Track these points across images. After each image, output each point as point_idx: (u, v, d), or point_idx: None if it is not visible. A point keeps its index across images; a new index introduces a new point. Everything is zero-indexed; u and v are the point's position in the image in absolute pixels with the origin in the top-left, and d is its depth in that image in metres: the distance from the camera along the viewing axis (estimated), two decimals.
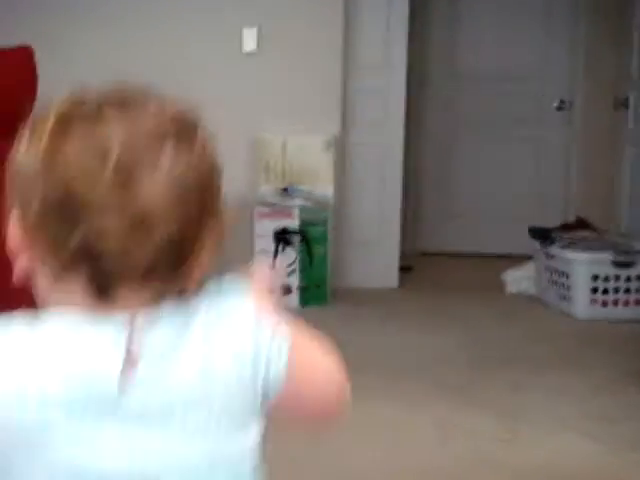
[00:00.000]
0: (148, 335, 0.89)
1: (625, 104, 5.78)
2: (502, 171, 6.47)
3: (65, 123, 0.89)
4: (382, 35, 5.47)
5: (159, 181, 0.89)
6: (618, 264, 4.80)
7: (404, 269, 5.74)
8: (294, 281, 4.99)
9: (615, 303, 4.82)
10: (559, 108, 6.42)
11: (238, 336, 0.95)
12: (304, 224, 4.99)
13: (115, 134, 0.88)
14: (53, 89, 0.97)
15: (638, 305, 4.83)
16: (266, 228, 4.99)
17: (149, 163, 0.89)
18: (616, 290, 4.81)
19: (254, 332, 0.97)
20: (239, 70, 5.32)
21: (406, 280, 5.64)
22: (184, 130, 1.00)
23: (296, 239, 4.99)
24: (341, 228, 5.43)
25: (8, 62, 2.88)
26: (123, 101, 0.93)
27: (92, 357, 0.86)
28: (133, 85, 0.97)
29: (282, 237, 4.99)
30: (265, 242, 4.99)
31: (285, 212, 5.01)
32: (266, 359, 0.96)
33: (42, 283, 0.91)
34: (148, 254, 0.88)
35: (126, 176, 0.87)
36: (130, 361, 0.87)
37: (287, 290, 4.99)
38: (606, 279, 4.80)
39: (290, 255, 5.00)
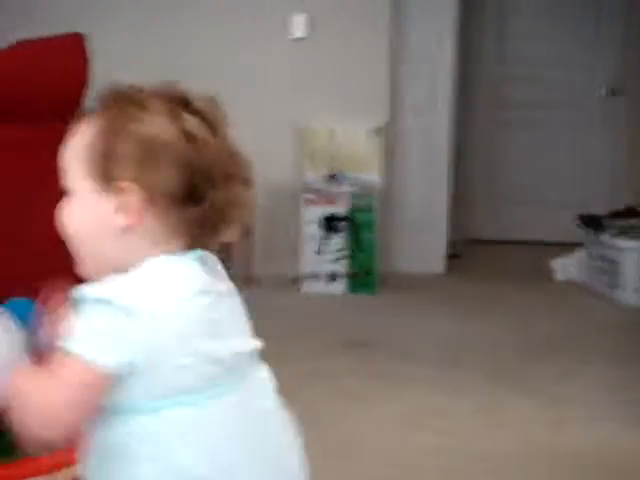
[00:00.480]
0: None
1: None
2: (550, 158, 6.42)
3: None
4: (430, 21, 5.45)
5: None
6: None
7: (452, 256, 5.73)
8: (341, 268, 5.01)
9: None
10: (608, 95, 6.36)
11: None
12: (351, 210, 5.00)
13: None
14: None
15: None
16: (313, 215, 5.01)
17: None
18: None
19: None
20: (287, 57, 5.33)
21: (454, 266, 5.62)
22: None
23: (343, 225, 5.00)
24: (389, 214, 5.43)
25: (60, 49, 2.92)
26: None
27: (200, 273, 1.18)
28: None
29: (329, 224, 5.01)
30: (312, 228, 5.01)
31: (332, 198, 5.02)
32: None
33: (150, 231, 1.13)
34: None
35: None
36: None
37: (332, 278, 5.01)
38: None
39: (338, 242, 5.01)
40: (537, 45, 6.45)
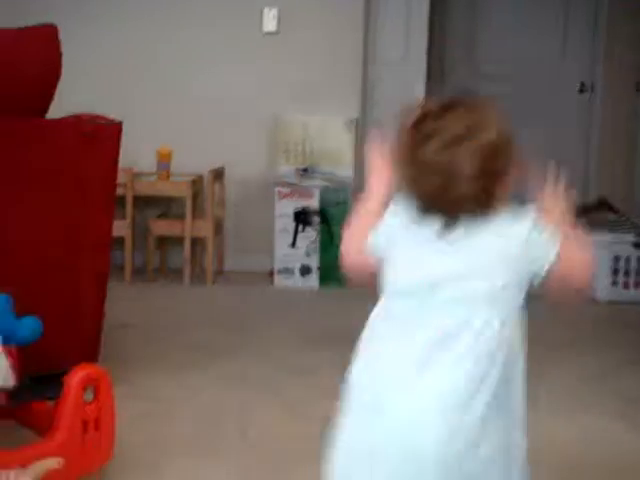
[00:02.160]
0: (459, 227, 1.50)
1: None
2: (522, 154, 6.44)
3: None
4: (403, 18, 5.45)
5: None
6: (639, 246, 4.78)
7: None
8: (314, 261, 5.00)
9: (636, 285, 4.81)
10: (580, 91, 6.39)
11: (516, 235, 1.50)
12: (324, 204, 4.99)
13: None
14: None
15: None
16: (286, 208, 5.00)
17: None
18: (638, 272, 4.80)
19: (529, 234, 1.50)
20: (259, 51, 5.31)
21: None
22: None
23: (316, 219, 5.00)
24: None
25: (33, 40, 2.88)
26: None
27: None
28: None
29: (302, 217, 5.00)
30: (285, 222, 5.00)
31: (305, 192, 5.01)
32: (535, 255, 1.50)
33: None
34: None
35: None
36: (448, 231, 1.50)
37: (306, 270, 5.00)
38: (627, 260, 4.79)
39: (310, 235, 5.01)
40: (507, 43, 6.46)
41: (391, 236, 1.59)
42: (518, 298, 1.55)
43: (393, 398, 1.47)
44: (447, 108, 1.50)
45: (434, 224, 1.51)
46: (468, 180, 1.45)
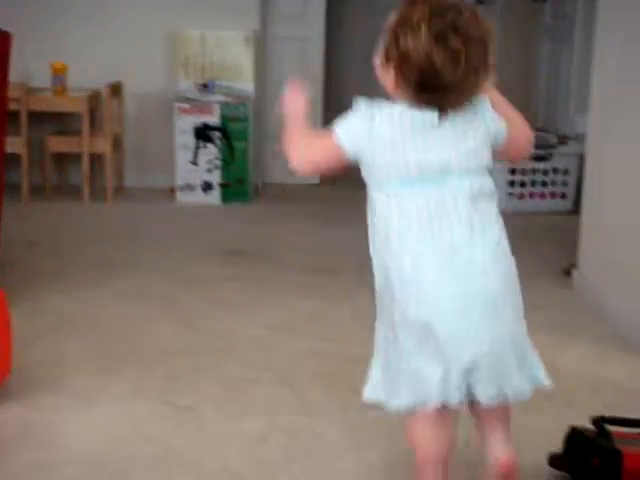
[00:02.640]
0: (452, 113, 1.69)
1: None
2: None
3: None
4: None
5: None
6: (535, 157, 4.89)
7: None
8: (215, 178, 4.98)
9: (532, 196, 4.93)
10: (479, 1, 6.41)
11: (486, 119, 1.74)
12: (225, 120, 4.96)
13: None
14: None
15: (554, 198, 4.95)
16: (186, 124, 4.94)
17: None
18: (533, 183, 4.92)
19: (492, 119, 1.75)
20: None
21: (327, 176, 5.65)
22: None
23: (217, 135, 4.96)
24: (262, 124, 5.41)
25: None
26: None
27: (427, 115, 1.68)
28: None
29: (202, 133, 4.96)
30: (186, 138, 4.95)
31: (205, 108, 4.96)
32: (496, 131, 1.74)
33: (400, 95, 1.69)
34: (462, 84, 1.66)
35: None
36: (442, 116, 1.67)
37: (208, 186, 4.98)
38: (523, 172, 4.90)
39: (211, 151, 4.97)
40: None
41: (381, 133, 1.70)
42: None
43: (466, 255, 1.72)
44: (468, 18, 1.64)
45: (429, 114, 1.67)
46: (479, 71, 1.66)
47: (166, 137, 5.06)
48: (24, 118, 4.74)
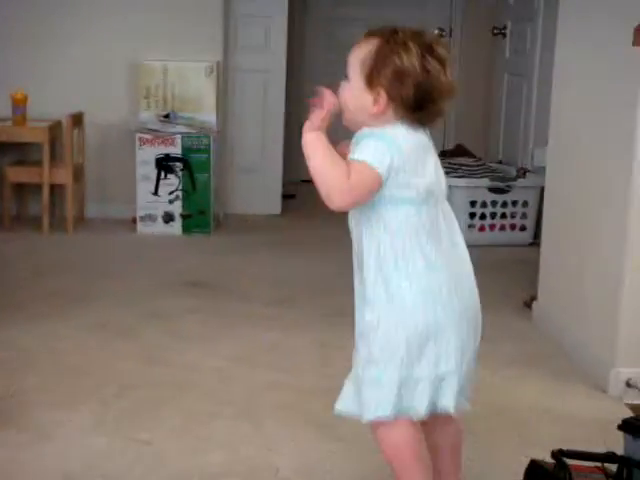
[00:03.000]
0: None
1: (503, 32, 5.87)
2: None
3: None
4: None
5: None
6: (495, 190, 4.93)
7: (287, 196, 5.77)
8: (176, 209, 4.97)
9: (492, 228, 4.97)
10: (438, 35, 6.48)
11: None
12: (186, 151, 4.95)
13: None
14: None
15: (513, 230, 4.99)
16: (148, 155, 4.93)
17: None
18: (493, 215, 4.96)
19: None
20: None
21: (289, 207, 5.67)
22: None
23: (178, 166, 4.95)
24: (224, 155, 5.41)
25: None
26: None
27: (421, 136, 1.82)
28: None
29: (164, 164, 4.95)
30: (147, 169, 4.94)
31: (167, 139, 4.95)
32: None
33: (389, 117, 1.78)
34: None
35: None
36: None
37: (169, 217, 4.97)
38: (483, 205, 4.94)
39: (172, 182, 4.96)
40: None
41: (401, 152, 1.76)
42: None
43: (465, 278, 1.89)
44: (439, 37, 1.82)
45: (421, 135, 1.82)
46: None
47: (127, 167, 5.04)
48: None
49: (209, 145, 4.98)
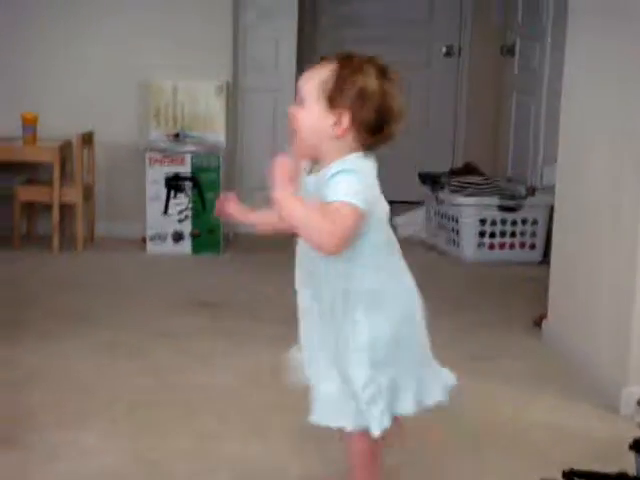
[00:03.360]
0: None
1: (511, 51, 5.88)
2: None
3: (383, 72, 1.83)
4: None
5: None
6: (504, 208, 4.92)
7: None
8: (186, 228, 4.98)
9: (501, 246, 4.96)
10: (447, 54, 6.50)
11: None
12: (196, 170, 4.96)
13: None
14: None
15: (523, 248, 4.98)
16: (158, 174, 4.94)
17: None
18: (502, 234, 4.95)
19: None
20: (131, 12, 5.20)
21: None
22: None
23: (188, 185, 4.96)
24: (233, 174, 5.42)
25: None
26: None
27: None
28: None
29: (174, 183, 4.96)
30: (157, 188, 4.95)
31: (177, 158, 4.96)
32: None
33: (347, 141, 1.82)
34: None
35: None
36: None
37: (179, 237, 4.97)
38: (493, 223, 4.93)
39: (182, 201, 4.97)
40: (378, 6, 6.51)
41: (369, 183, 1.83)
42: None
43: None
44: (385, 67, 1.84)
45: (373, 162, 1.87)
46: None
47: (137, 187, 5.05)
48: None
49: (218, 164, 4.99)
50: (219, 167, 4.99)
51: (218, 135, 5.18)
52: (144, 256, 4.93)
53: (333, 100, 1.79)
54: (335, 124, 1.80)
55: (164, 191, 4.95)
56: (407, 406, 1.94)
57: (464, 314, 3.86)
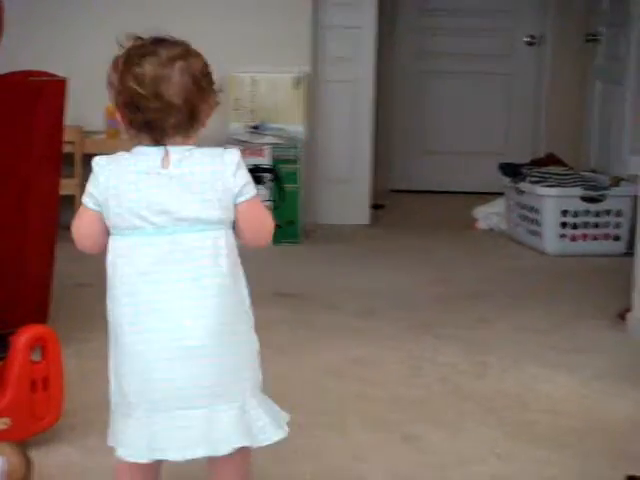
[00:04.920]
0: (174, 155, 1.75)
1: (595, 39, 5.77)
2: (472, 107, 6.46)
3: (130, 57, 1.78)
4: None
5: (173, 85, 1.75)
6: (587, 199, 4.84)
7: (376, 207, 5.76)
8: None
9: (584, 238, 4.87)
10: (529, 43, 6.41)
11: (219, 168, 1.82)
12: (275, 162, 4.98)
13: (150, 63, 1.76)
14: None
15: (606, 239, 4.88)
16: None
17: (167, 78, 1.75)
18: (585, 225, 4.86)
19: (233, 172, 1.86)
20: (209, 6, 5.25)
21: (378, 217, 5.66)
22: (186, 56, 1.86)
23: (267, 177, 4.99)
24: (312, 165, 5.43)
25: None
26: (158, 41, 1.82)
27: (148, 158, 1.73)
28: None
29: (253, 175, 4.96)
30: None
31: (256, 150, 4.99)
32: (236, 191, 1.83)
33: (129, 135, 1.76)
34: (173, 120, 1.74)
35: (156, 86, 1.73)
36: (166, 161, 1.73)
37: None
38: (575, 214, 4.85)
39: (262, 193, 5.00)
40: None
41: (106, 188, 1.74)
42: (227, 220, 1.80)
43: None
44: (158, 40, 1.81)
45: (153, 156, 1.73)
46: (180, 100, 1.74)
47: None
48: (78, 160, 4.82)
49: (298, 156, 5.00)
50: (298, 158, 5.01)
51: (297, 127, 5.19)
52: None
53: (110, 87, 1.83)
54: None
55: None
56: None
57: (547, 307, 3.81)
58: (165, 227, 1.70)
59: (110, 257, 1.81)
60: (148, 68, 1.73)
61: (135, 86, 1.71)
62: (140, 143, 1.74)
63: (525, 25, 6.40)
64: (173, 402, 1.72)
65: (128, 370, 1.74)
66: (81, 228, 1.82)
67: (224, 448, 1.72)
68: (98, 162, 1.75)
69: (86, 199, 1.76)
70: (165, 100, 1.71)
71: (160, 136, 1.73)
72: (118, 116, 1.76)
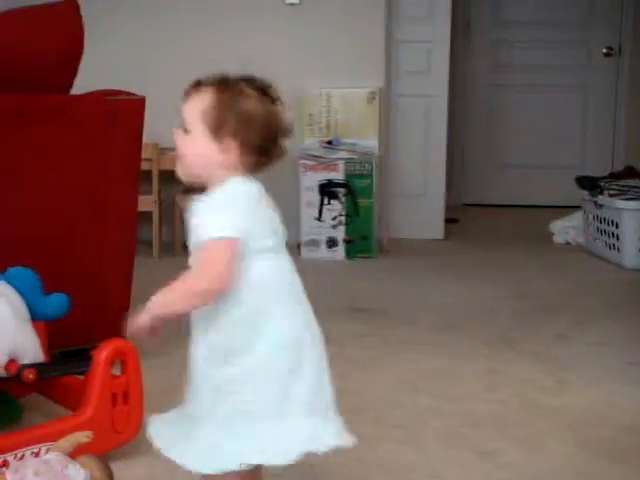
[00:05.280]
0: None
1: None
2: (549, 120, 6.41)
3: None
4: None
5: None
6: None
7: (450, 221, 5.73)
8: (340, 234, 5.01)
9: None
10: (607, 55, 6.33)
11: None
12: (349, 176, 5.00)
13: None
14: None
15: None
16: (311, 181, 5.01)
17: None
18: None
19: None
20: (283, 22, 5.30)
21: (452, 232, 5.63)
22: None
23: (341, 191, 5.00)
24: (386, 180, 5.43)
25: (55, 16, 2.90)
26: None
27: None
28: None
29: (327, 190, 5.01)
30: (311, 195, 5.01)
31: (330, 165, 5.01)
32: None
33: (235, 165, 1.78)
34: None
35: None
36: None
37: (333, 243, 5.01)
38: None
39: (336, 207, 5.01)
40: (534, 7, 6.41)
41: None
42: None
43: None
44: (265, 84, 1.81)
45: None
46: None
47: (292, 194, 5.12)
48: (155, 177, 4.89)
49: (372, 170, 5.01)
50: (372, 173, 5.01)
51: (371, 141, 5.20)
52: (299, 261, 4.98)
53: (218, 130, 1.73)
54: (222, 152, 1.75)
55: (318, 197, 5.01)
56: None
57: (626, 322, 3.75)
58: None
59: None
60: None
61: (276, 121, 1.81)
62: (240, 174, 1.81)
63: (602, 36, 6.33)
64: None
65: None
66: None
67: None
68: None
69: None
70: None
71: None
72: (232, 147, 1.76)
